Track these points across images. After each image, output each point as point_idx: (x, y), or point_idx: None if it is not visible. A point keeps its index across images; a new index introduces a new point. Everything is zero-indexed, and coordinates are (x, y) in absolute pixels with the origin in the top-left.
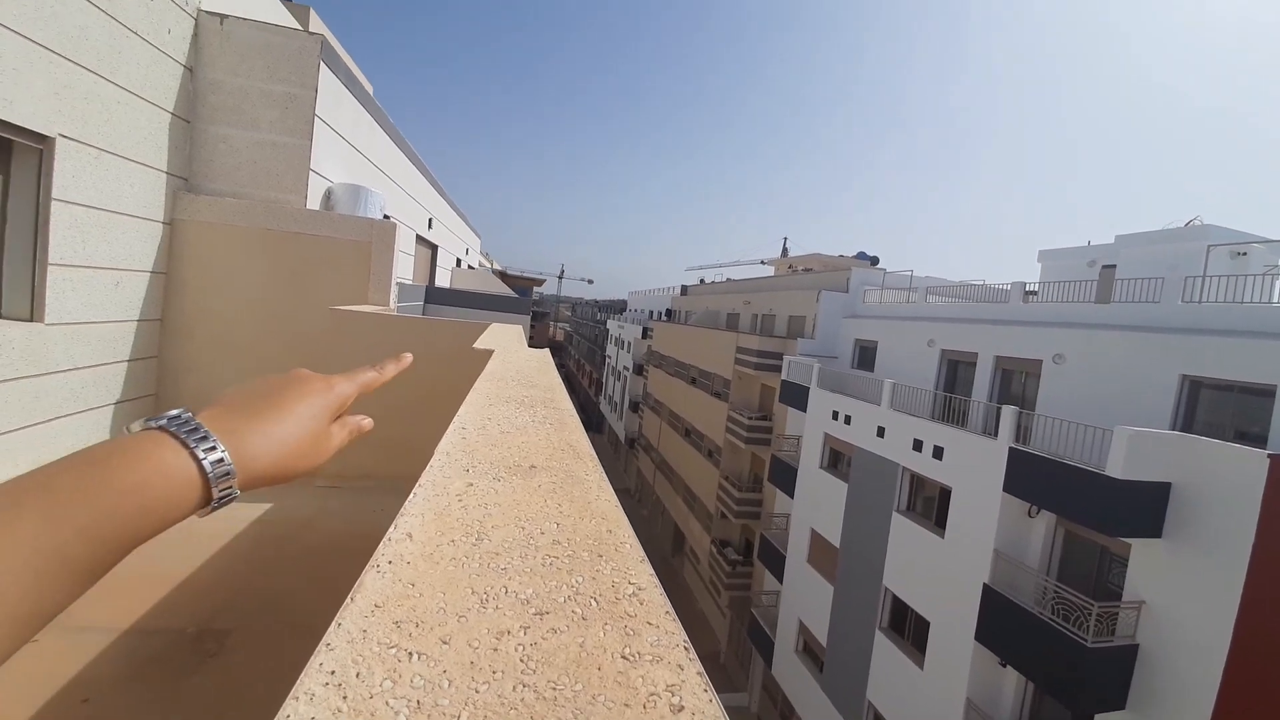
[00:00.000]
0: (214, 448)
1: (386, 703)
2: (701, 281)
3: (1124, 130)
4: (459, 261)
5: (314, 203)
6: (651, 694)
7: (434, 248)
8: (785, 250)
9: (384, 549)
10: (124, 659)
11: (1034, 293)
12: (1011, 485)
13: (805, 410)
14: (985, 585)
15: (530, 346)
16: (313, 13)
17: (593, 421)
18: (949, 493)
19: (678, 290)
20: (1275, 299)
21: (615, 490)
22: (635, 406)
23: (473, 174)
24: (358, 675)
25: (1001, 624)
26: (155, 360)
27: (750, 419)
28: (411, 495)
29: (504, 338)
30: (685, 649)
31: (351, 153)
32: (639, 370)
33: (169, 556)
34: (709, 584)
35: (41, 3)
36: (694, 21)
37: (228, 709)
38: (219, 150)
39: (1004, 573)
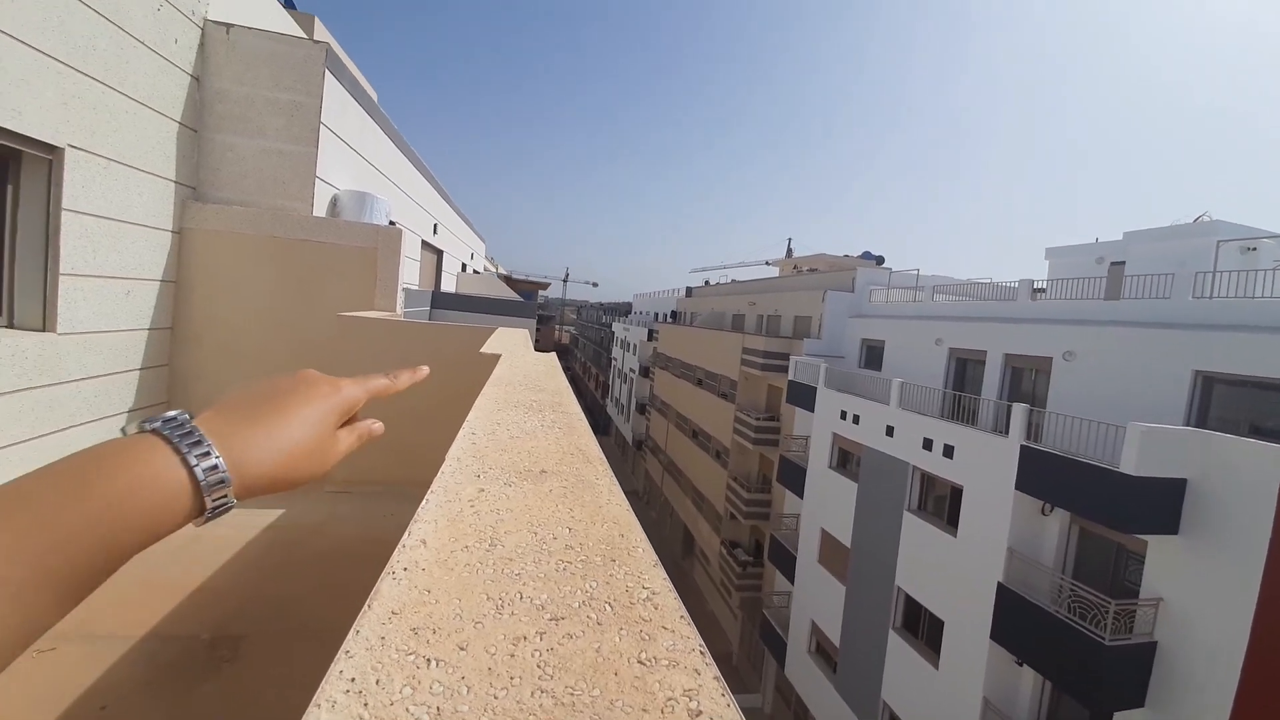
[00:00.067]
0: (208, 454)
1: (407, 709)
2: (706, 283)
3: (1130, 128)
4: (464, 266)
5: (320, 210)
6: (669, 699)
7: (439, 253)
8: (790, 251)
9: (399, 555)
10: (140, 666)
11: (1042, 290)
12: (1024, 483)
13: (813, 410)
14: (999, 584)
15: (535, 350)
16: (317, 21)
17: (600, 424)
18: (960, 491)
19: (683, 292)
20: None
21: (624, 493)
22: (642, 408)
23: (477, 178)
24: (377, 682)
25: (1017, 623)
26: (166, 368)
27: (758, 420)
28: (424, 501)
29: (510, 342)
30: (701, 653)
31: (357, 160)
32: (645, 372)
33: (182, 563)
34: (719, 585)
35: (49, 14)
36: (696, 22)
37: (243, 714)
38: (226, 159)
39: (1018, 571)
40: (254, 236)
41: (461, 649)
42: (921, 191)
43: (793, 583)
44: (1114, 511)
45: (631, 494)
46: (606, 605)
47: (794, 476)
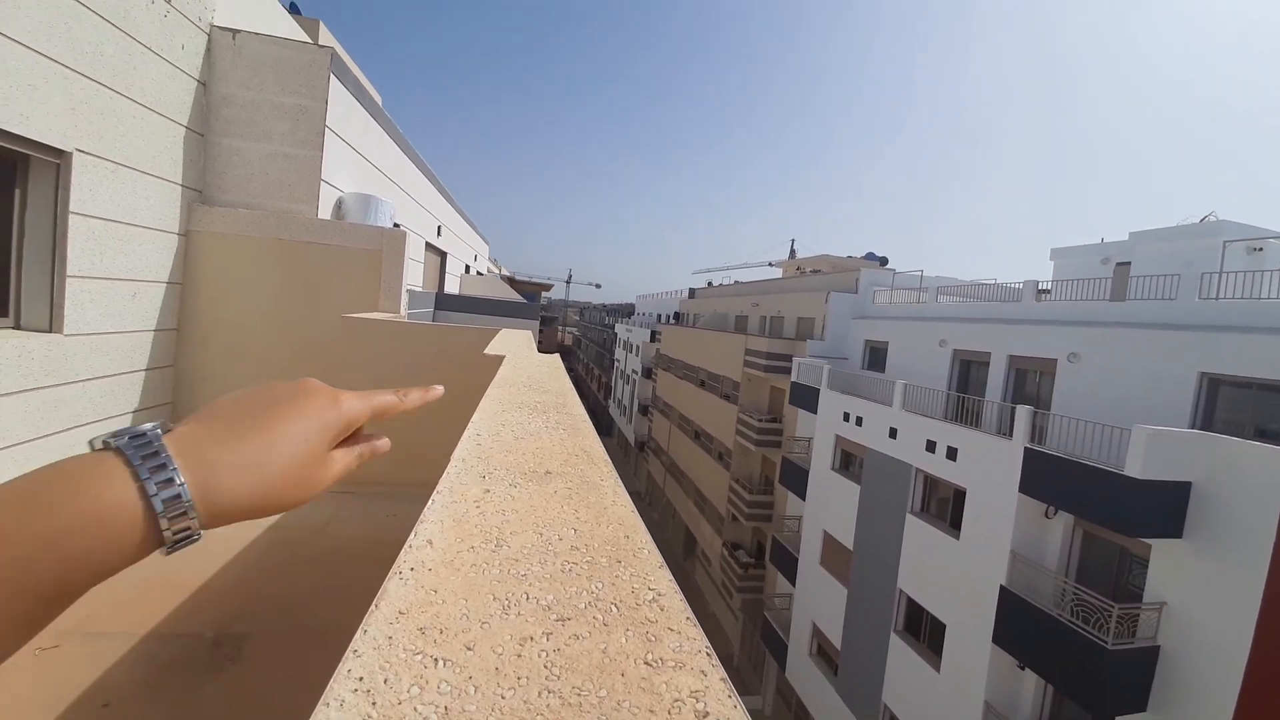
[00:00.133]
0: (170, 479)
1: (415, 709)
2: (709, 284)
3: (1136, 127)
4: (468, 268)
5: (325, 212)
6: (676, 700)
7: (443, 255)
8: (793, 252)
9: (405, 556)
10: (143, 664)
11: (1047, 291)
12: (1028, 486)
13: (816, 412)
14: (1002, 587)
15: (539, 351)
16: (322, 25)
17: (602, 425)
18: (963, 494)
19: (685, 293)
20: None
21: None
22: (644, 410)
23: (480, 180)
24: (385, 681)
25: (1019, 626)
26: (172, 369)
27: (760, 421)
28: (430, 502)
29: (514, 343)
30: (707, 655)
31: (361, 162)
32: (648, 374)
33: (185, 562)
34: (721, 587)
35: (57, 20)
36: (699, 24)
37: (246, 713)
38: (232, 162)
39: (1021, 574)
40: (259, 239)
41: (469, 649)
42: (926, 192)
43: (794, 585)
44: (1118, 515)
45: (634, 495)
46: (613, 606)
47: (796, 478)
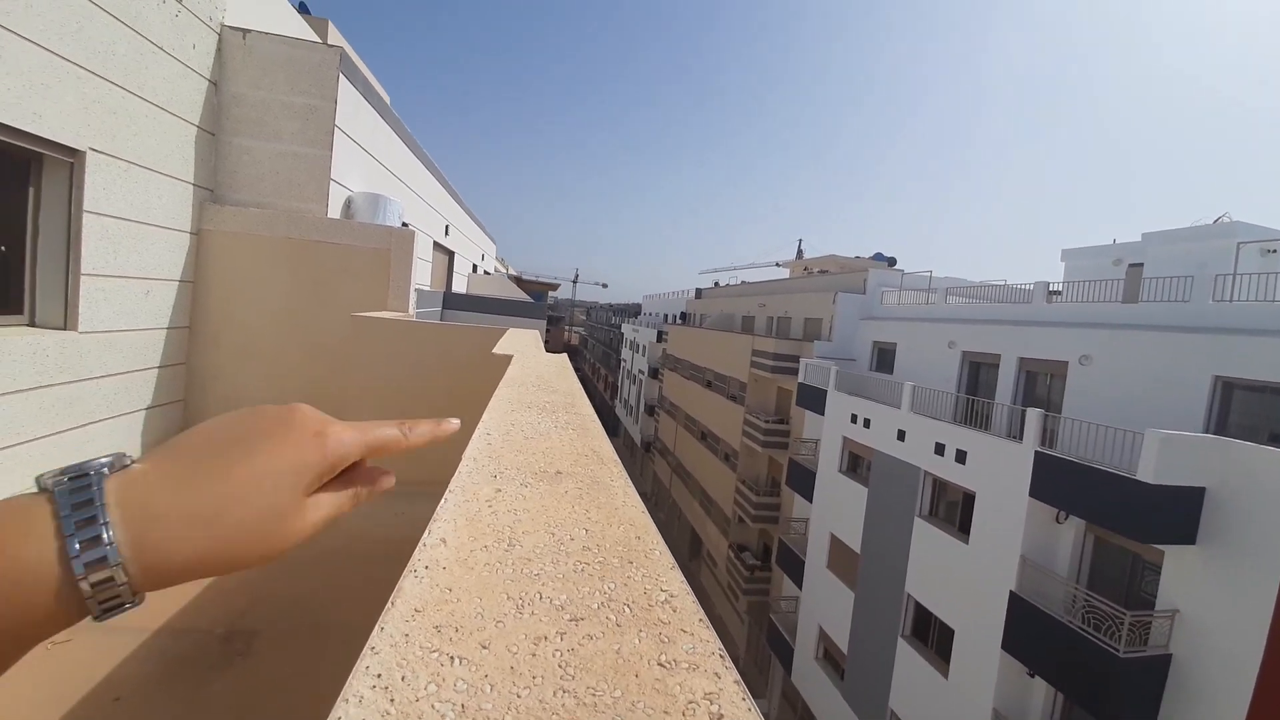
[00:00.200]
0: (97, 537)
1: (432, 706)
2: (716, 285)
3: (1149, 126)
4: (475, 267)
5: (334, 212)
6: (690, 702)
7: (451, 254)
8: (800, 252)
9: (420, 554)
10: (154, 659)
11: (1058, 293)
12: (1038, 490)
13: (823, 413)
14: (1012, 593)
15: (545, 351)
16: (331, 25)
17: (608, 425)
18: (973, 498)
19: (692, 294)
20: None
21: None
22: (651, 410)
23: (486, 179)
24: (403, 679)
25: (1029, 633)
26: (183, 367)
27: (767, 422)
28: (443, 501)
29: (522, 342)
30: (721, 657)
31: (370, 162)
32: (654, 374)
33: None
34: (726, 589)
35: (69, 19)
36: (707, 22)
37: (256, 707)
38: (243, 162)
39: (1031, 580)
40: (270, 238)
41: (484, 647)
42: (935, 193)
43: (801, 588)
44: (1131, 520)
45: (640, 495)
46: (625, 607)
47: (803, 480)
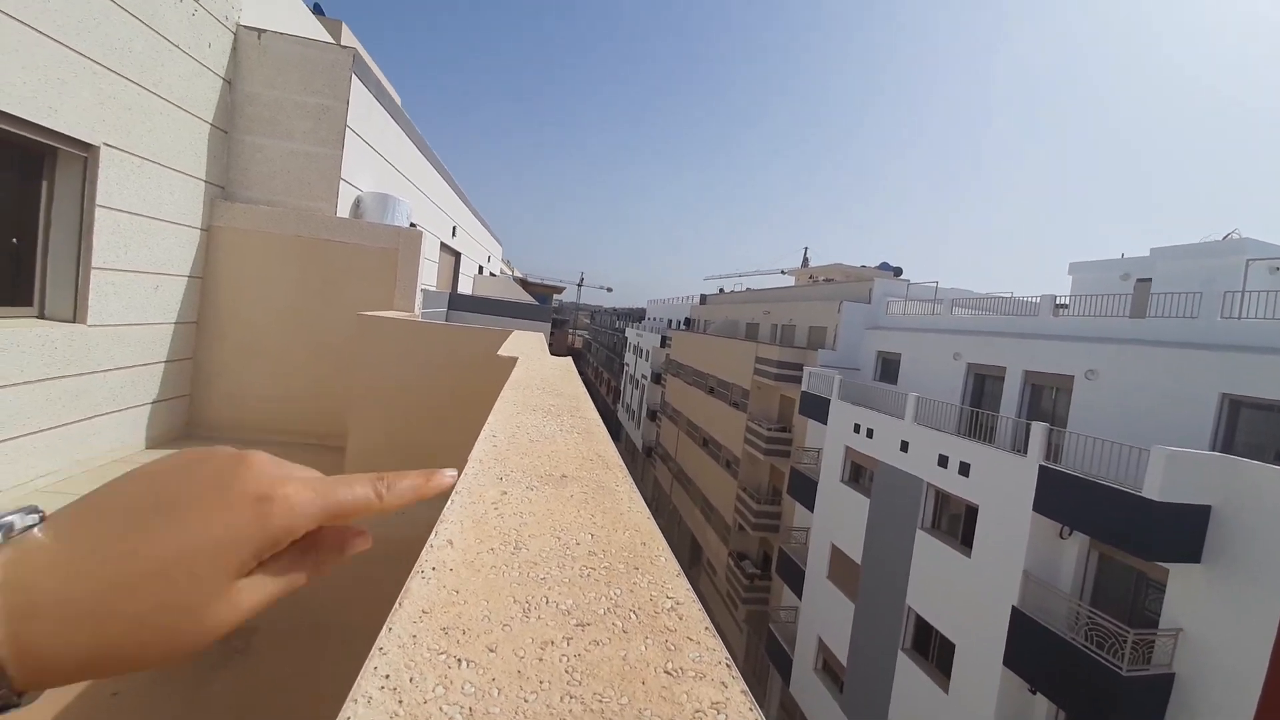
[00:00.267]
0: None
1: (440, 708)
2: (721, 291)
3: (1157, 133)
4: (481, 269)
5: (344, 211)
6: (697, 711)
7: (457, 255)
8: (806, 260)
9: (427, 555)
10: None
11: (1065, 306)
12: (1042, 505)
13: (826, 422)
14: (1014, 608)
15: (549, 354)
16: (344, 26)
17: (610, 429)
18: (975, 511)
19: (697, 299)
20: None
21: None
22: (653, 415)
23: (494, 180)
24: (411, 680)
25: (1031, 649)
26: (190, 362)
27: (769, 430)
28: (449, 502)
29: (527, 345)
30: (728, 666)
31: (380, 162)
32: (657, 379)
33: None
34: (726, 597)
35: (87, 16)
36: (715, 26)
37: (255, 705)
38: (254, 159)
39: (1034, 596)
40: (279, 235)
41: (491, 651)
42: (943, 203)
43: (800, 598)
44: (1135, 537)
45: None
46: (631, 613)
47: (805, 489)
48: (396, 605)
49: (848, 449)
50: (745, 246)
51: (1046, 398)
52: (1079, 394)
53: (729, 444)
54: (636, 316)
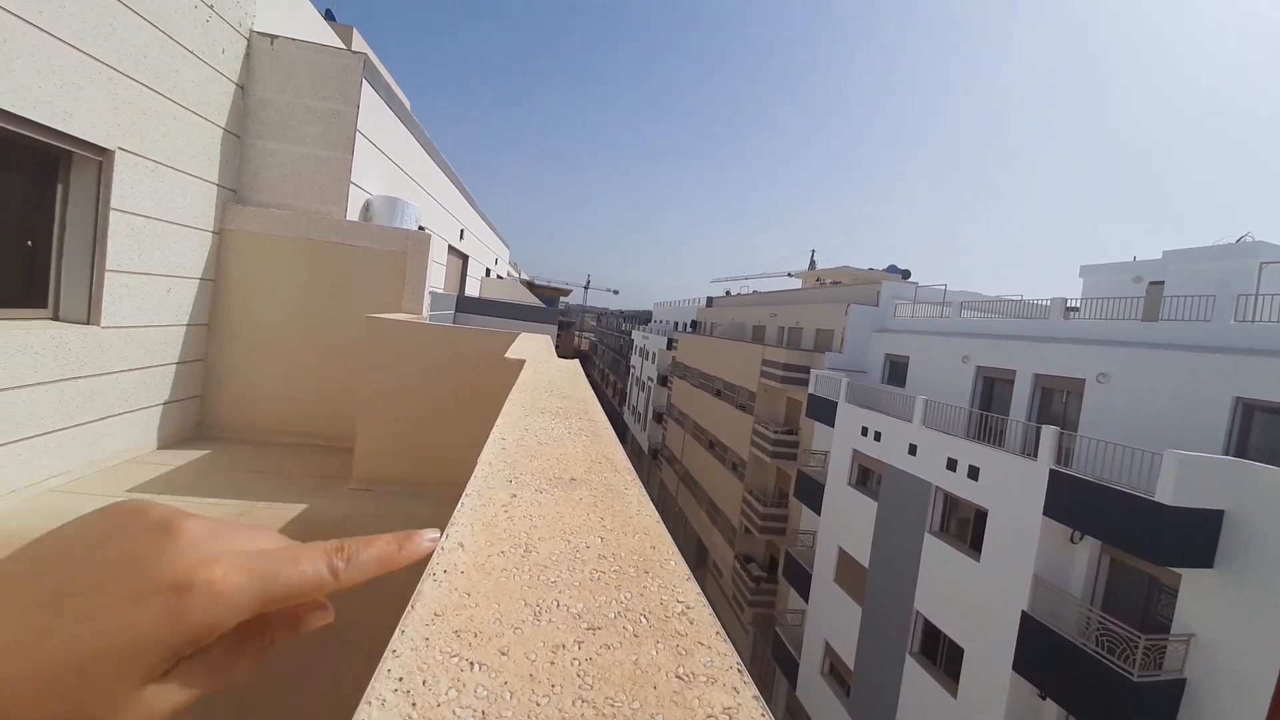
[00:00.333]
0: None
1: (454, 711)
2: (727, 293)
3: (1168, 135)
4: (488, 271)
5: (353, 214)
6: (709, 716)
7: (465, 258)
8: (813, 263)
9: (438, 558)
10: None
11: (1075, 309)
12: (1052, 509)
13: (833, 425)
14: (1024, 613)
15: (556, 356)
16: (355, 32)
17: (616, 432)
18: (985, 515)
19: (703, 302)
20: None
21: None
22: (659, 417)
23: (501, 183)
24: (424, 683)
25: (1041, 654)
26: (201, 364)
27: (776, 433)
28: (460, 505)
29: (534, 347)
30: (739, 671)
31: (389, 166)
32: (663, 381)
33: None
34: (732, 600)
35: (103, 21)
36: (721, 29)
37: (255, 706)
38: (266, 163)
39: (1044, 600)
40: (290, 239)
41: (503, 654)
42: (951, 206)
43: (807, 601)
44: (1147, 542)
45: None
46: (642, 617)
47: (812, 492)
48: (409, 608)
49: (855, 452)
50: (752, 249)
51: (1057, 401)
52: (1090, 397)
53: (735, 446)
54: (643, 319)
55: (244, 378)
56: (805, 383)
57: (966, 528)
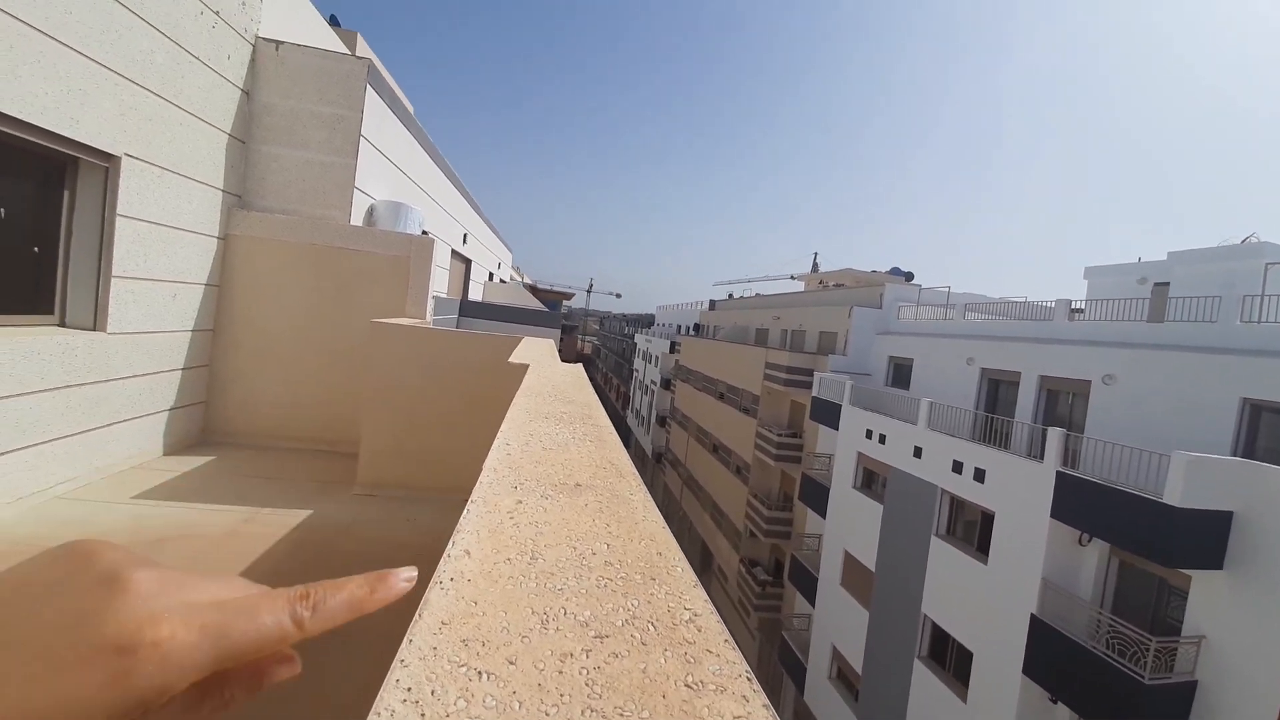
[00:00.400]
0: None
1: None
2: (730, 296)
3: (1174, 137)
4: (491, 275)
5: (357, 219)
6: None
7: (468, 262)
8: (816, 265)
9: (444, 565)
10: None
11: (1080, 311)
12: (1060, 511)
13: (837, 428)
14: (1033, 616)
15: (559, 360)
16: (360, 37)
17: (619, 435)
18: (991, 517)
19: (706, 305)
20: None
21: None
22: (662, 421)
23: (504, 186)
24: (433, 693)
25: (1051, 657)
26: (206, 369)
27: (780, 436)
28: (465, 512)
29: (537, 351)
30: (749, 679)
31: (393, 170)
32: (666, 385)
33: (212, 559)
34: (737, 604)
35: (109, 28)
36: (723, 32)
37: (256, 707)
38: (271, 169)
39: (1053, 603)
40: (294, 244)
41: (511, 663)
42: (955, 208)
43: (813, 605)
44: (1157, 544)
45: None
46: (650, 625)
47: (816, 495)
48: (416, 616)
49: (860, 455)
50: (755, 252)
51: (1063, 403)
52: (1096, 399)
53: (739, 450)
54: (646, 322)
55: (249, 383)
56: (809, 385)
57: (973, 530)
